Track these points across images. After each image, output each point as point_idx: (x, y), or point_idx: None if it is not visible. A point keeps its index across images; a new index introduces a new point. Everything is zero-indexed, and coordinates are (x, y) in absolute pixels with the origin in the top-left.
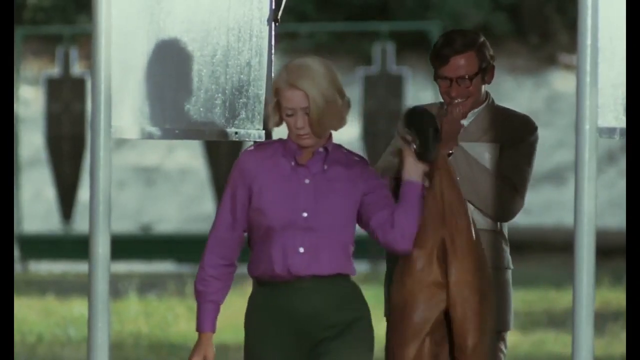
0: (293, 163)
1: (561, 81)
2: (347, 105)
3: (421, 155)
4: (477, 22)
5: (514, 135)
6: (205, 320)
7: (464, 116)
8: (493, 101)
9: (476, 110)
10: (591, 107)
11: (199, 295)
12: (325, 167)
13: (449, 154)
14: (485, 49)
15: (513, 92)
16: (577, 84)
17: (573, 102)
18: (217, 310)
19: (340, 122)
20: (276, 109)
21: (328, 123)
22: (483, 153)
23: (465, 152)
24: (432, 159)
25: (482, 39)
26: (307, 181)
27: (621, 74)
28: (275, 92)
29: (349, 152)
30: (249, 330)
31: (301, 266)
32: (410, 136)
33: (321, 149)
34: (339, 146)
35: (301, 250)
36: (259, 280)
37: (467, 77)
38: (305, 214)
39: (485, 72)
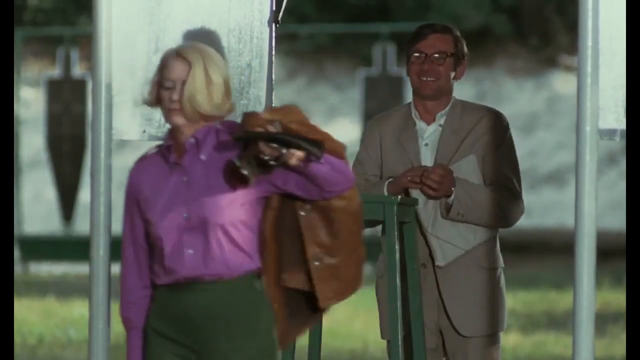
0: (170, 162)
1: (562, 83)
2: (230, 105)
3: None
4: (477, 24)
5: (491, 137)
6: (131, 349)
7: (433, 119)
8: (457, 100)
9: (443, 111)
10: (592, 109)
11: (123, 323)
12: (203, 157)
13: (448, 196)
14: (461, 43)
15: (513, 93)
16: (578, 85)
17: (573, 103)
18: (142, 338)
19: (212, 108)
20: (157, 86)
21: (200, 102)
22: (468, 170)
23: (463, 185)
24: (320, 155)
25: (459, 34)
26: (185, 179)
27: (621, 75)
28: (161, 66)
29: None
30: (147, 333)
31: (191, 268)
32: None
33: (192, 140)
34: (219, 130)
35: (190, 251)
36: (159, 286)
37: (442, 51)
38: (185, 215)
39: (457, 62)
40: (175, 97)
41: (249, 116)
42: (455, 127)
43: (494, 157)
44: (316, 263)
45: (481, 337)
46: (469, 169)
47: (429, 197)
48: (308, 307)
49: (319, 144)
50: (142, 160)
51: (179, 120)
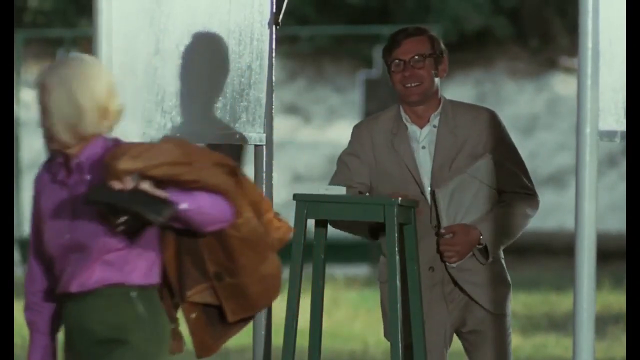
0: (58, 179)
1: (562, 84)
2: (111, 118)
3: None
4: (478, 26)
5: (490, 137)
6: (30, 352)
7: (427, 121)
8: (446, 99)
9: (436, 112)
10: (592, 110)
11: (27, 325)
12: (88, 177)
13: (481, 246)
14: (437, 40)
15: (514, 95)
16: (578, 87)
17: (574, 105)
18: (44, 340)
19: (88, 130)
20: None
21: (69, 128)
22: (488, 170)
23: (487, 226)
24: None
25: (433, 33)
26: (69, 199)
27: (621, 77)
28: None
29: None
30: None
31: (64, 284)
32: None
33: (76, 160)
34: (108, 148)
35: (68, 269)
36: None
37: (420, 54)
38: (67, 235)
39: (437, 61)
40: (44, 124)
41: (110, 162)
42: (451, 127)
43: (497, 157)
44: (218, 281)
45: (504, 315)
46: (488, 170)
47: (450, 262)
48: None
49: (164, 206)
50: (44, 168)
51: (53, 146)
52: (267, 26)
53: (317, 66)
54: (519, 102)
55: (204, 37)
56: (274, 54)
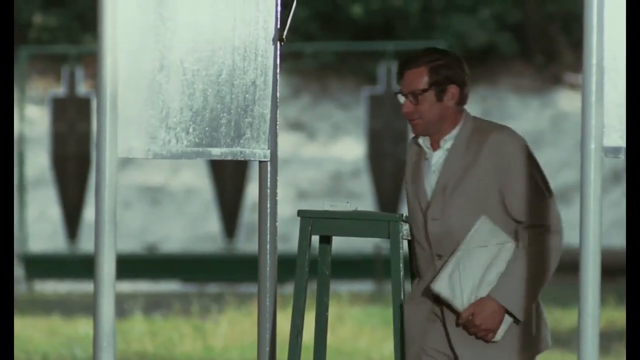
0: None
1: (566, 101)
2: None
3: None
4: (482, 42)
5: (499, 163)
6: None
7: (438, 145)
8: (470, 119)
9: (448, 136)
10: (596, 127)
11: None
12: None
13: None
14: (445, 67)
15: (518, 112)
16: (583, 103)
17: (578, 121)
18: None
19: None
20: None
21: None
22: (487, 231)
23: (505, 296)
24: None
25: (445, 57)
26: None
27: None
28: None
29: None
30: None
31: None
32: None
33: None
34: None
35: None
36: None
37: (414, 90)
38: None
39: (440, 92)
40: None
41: None
42: (461, 151)
43: (509, 186)
44: None
45: None
46: (487, 230)
47: (488, 340)
48: None
49: None
50: None
51: None
52: (271, 42)
53: (322, 82)
54: (523, 118)
55: (208, 54)
56: (278, 70)
